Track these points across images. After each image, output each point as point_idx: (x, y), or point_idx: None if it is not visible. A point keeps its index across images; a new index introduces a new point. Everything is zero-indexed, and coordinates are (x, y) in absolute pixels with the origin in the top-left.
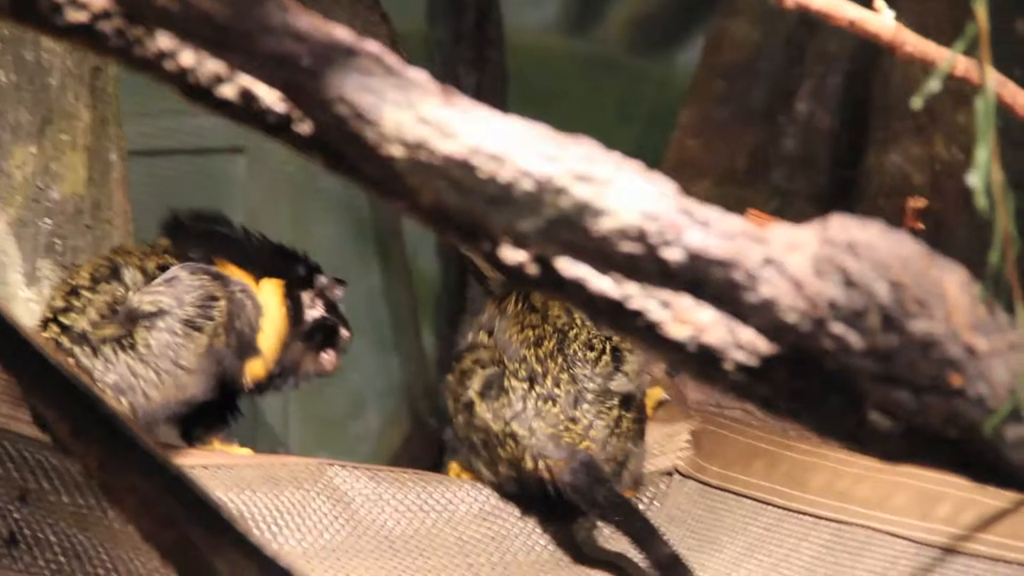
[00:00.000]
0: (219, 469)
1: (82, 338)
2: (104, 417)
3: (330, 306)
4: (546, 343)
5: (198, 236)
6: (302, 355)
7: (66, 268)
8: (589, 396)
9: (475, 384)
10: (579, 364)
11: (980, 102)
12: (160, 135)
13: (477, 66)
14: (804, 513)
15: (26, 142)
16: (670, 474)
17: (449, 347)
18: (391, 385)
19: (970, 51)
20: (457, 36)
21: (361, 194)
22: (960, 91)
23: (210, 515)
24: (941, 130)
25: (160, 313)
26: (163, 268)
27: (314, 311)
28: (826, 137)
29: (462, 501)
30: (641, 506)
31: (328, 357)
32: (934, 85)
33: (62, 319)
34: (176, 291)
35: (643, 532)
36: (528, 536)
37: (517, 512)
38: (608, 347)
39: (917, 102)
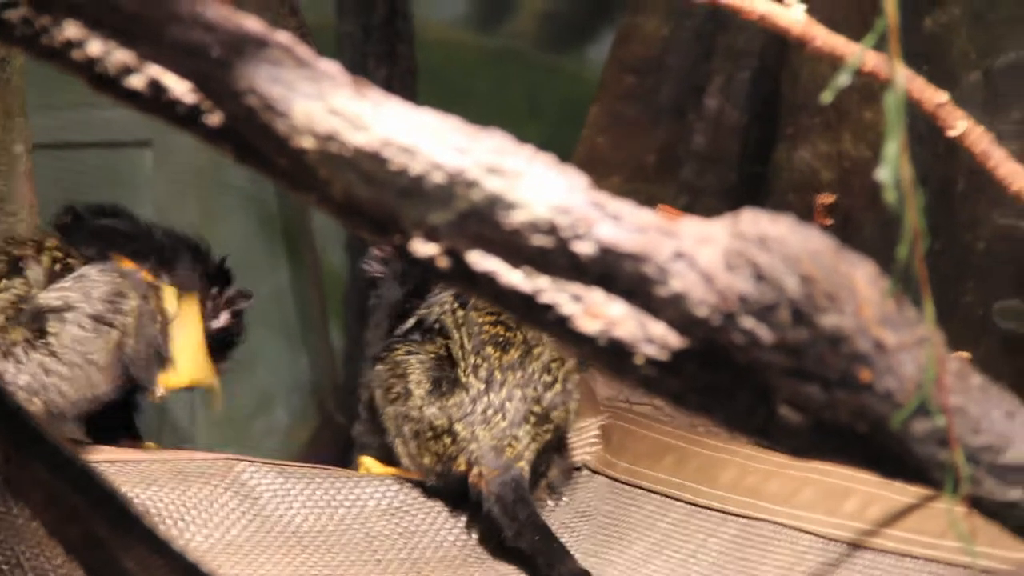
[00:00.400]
0: (125, 464)
1: None
2: (10, 411)
3: (236, 315)
4: (512, 351)
5: (94, 232)
6: None
7: None
8: (532, 419)
9: (416, 375)
10: (532, 386)
11: (889, 97)
12: (66, 128)
13: (387, 60)
14: (713, 509)
15: None
16: (579, 469)
17: (357, 344)
18: (299, 381)
19: (879, 46)
20: (367, 30)
21: (270, 189)
22: (868, 88)
23: (117, 511)
24: (849, 127)
25: (68, 308)
26: (63, 264)
27: (218, 322)
28: (735, 133)
29: (371, 497)
30: (550, 503)
31: (222, 367)
32: (843, 79)
33: None
34: (84, 287)
35: (556, 554)
36: (436, 532)
37: (426, 508)
38: (561, 376)
39: (827, 96)
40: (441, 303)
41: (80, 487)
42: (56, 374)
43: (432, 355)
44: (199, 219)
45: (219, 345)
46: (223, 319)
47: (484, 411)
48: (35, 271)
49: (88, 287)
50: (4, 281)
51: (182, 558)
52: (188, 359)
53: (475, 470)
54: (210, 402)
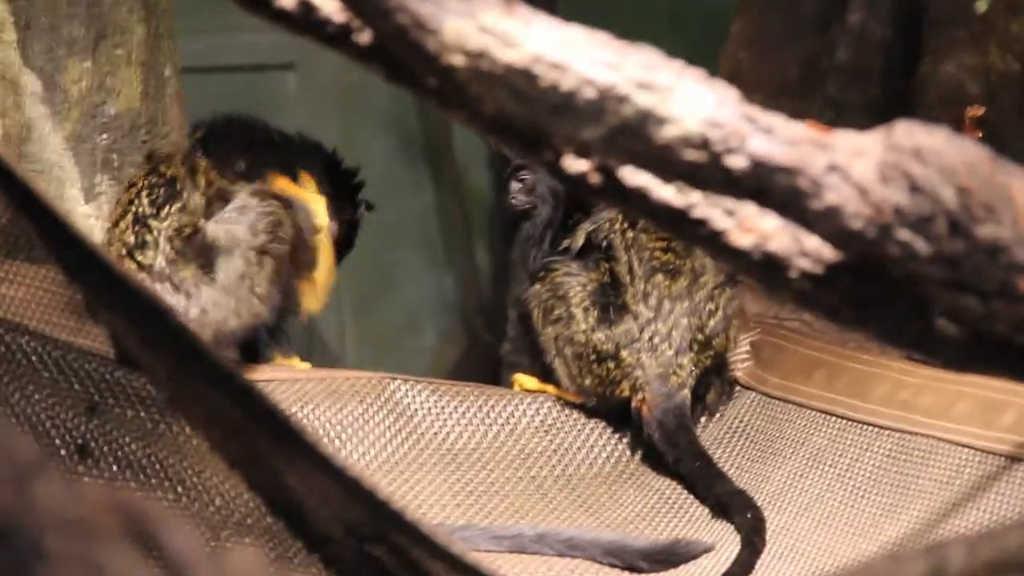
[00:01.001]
0: (281, 384)
1: (164, 277)
2: (172, 328)
3: (354, 225)
4: (680, 280)
5: (238, 146)
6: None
7: (123, 184)
8: (696, 347)
9: (578, 297)
10: (698, 315)
11: None
12: (212, 52)
13: None
14: (866, 423)
15: (81, 57)
16: (731, 385)
17: (503, 263)
18: (445, 301)
19: None
20: None
21: (412, 109)
22: (1014, 1)
23: (278, 426)
24: (996, 39)
25: (235, 244)
26: (218, 189)
27: (342, 226)
28: (879, 48)
29: (523, 414)
30: (703, 419)
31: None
32: None
33: (139, 258)
34: (249, 219)
35: (714, 477)
36: (590, 449)
37: (579, 424)
38: (723, 303)
39: (982, 5)
40: (611, 221)
41: (241, 403)
42: (225, 307)
43: (595, 281)
44: (341, 140)
45: (340, 248)
46: (346, 224)
47: (651, 339)
48: (194, 198)
49: (252, 220)
50: (166, 209)
51: (343, 474)
52: (325, 270)
53: (639, 395)
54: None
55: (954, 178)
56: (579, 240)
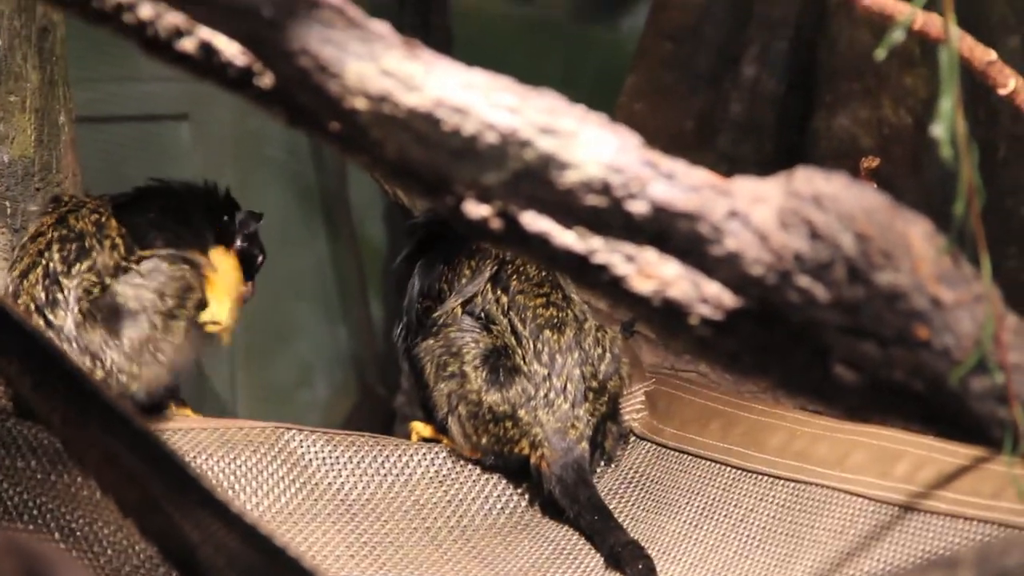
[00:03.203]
0: (175, 433)
1: (72, 339)
2: (66, 372)
3: (250, 237)
4: (567, 331)
5: (150, 215)
6: None
7: (16, 232)
8: (590, 395)
9: (471, 355)
10: (589, 362)
11: (943, 52)
12: (104, 101)
13: (422, 30)
14: (762, 473)
15: None
16: (626, 435)
17: (397, 315)
18: (339, 354)
19: (927, 6)
20: (401, 1)
21: (307, 160)
22: (908, 54)
23: (174, 472)
24: (889, 93)
25: (142, 310)
26: (124, 247)
27: (236, 247)
28: (772, 101)
29: (418, 465)
30: (598, 470)
31: (246, 288)
32: (898, 35)
33: (49, 316)
34: (157, 285)
35: (610, 529)
36: (485, 500)
37: (474, 475)
38: (608, 343)
39: (880, 53)
40: (480, 294)
41: (137, 447)
42: (127, 372)
43: (486, 342)
44: (236, 191)
45: (244, 267)
46: (239, 243)
47: (547, 395)
48: (102, 257)
49: (161, 286)
50: (77, 266)
51: (240, 520)
52: (226, 306)
53: (538, 452)
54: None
55: (853, 224)
56: (457, 313)
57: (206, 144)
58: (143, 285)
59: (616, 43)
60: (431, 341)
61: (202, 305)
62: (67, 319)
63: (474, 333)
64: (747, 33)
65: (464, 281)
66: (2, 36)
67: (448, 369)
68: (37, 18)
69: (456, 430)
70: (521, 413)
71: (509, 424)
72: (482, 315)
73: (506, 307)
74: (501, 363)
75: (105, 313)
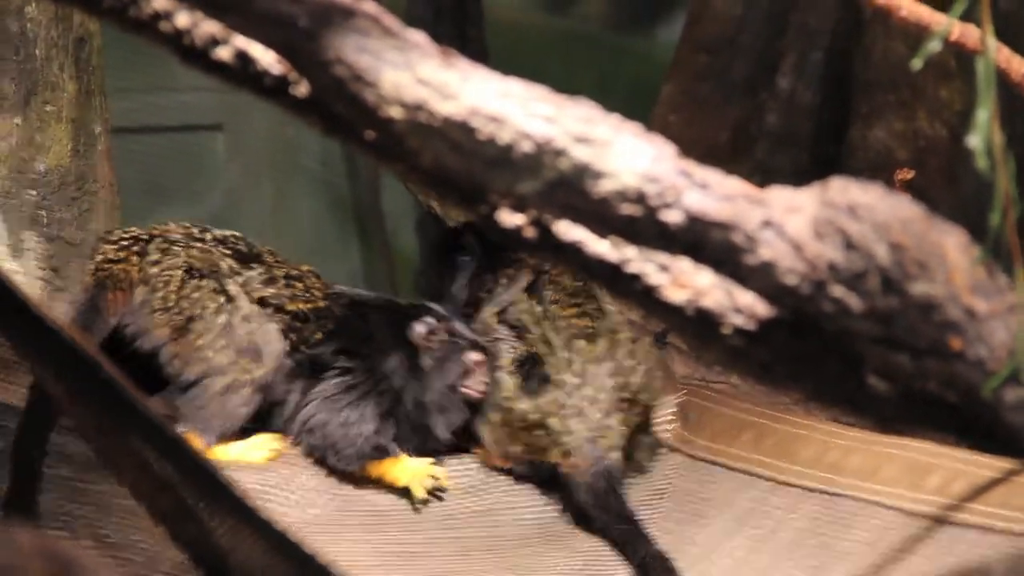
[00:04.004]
0: None
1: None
2: (102, 380)
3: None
4: (600, 342)
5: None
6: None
7: (51, 240)
8: (624, 405)
9: (506, 360)
10: (622, 373)
11: (980, 63)
12: (140, 112)
13: (457, 43)
14: (793, 485)
15: (11, 113)
16: (658, 446)
17: None
18: None
19: (964, 16)
20: (437, 12)
21: (340, 171)
22: (943, 66)
23: (207, 480)
24: (924, 105)
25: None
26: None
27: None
28: (808, 113)
29: (449, 476)
30: (628, 480)
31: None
32: (934, 46)
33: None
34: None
35: (640, 539)
36: (515, 510)
37: (504, 486)
38: (642, 355)
39: (917, 63)
40: (514, 303)
41: (171, 455)
42: None
43: (520, 350)
44: (271, 202)
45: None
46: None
47: (579, 404)
48: None
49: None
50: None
51: (271, 528)
52: None
53: (569, 461)
54: None
55: (888, 234)
56: (492, 323)
57: (240, 154)
58: None
59: (651, 54)
60: None
61: None
62: None
63: (508, 341)
64: (783, 44)
65: (500, 290)
66: (39, 46)
67: None
68: (74, 28)
69: (488, 436)
70: (552, 421)
71: (540, 432)
72: (517, 324)
73: (540, 316)
74: (534, 371)
75: None
